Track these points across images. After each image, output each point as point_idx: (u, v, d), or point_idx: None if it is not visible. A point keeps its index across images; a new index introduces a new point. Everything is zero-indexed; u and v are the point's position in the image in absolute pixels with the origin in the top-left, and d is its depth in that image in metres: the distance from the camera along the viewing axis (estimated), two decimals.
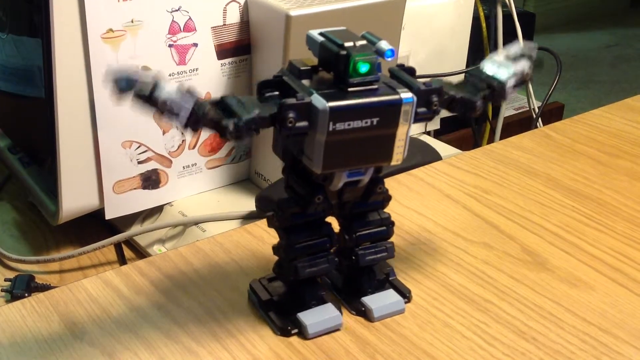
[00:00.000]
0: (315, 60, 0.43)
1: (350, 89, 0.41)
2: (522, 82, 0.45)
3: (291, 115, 0.40)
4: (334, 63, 0.41)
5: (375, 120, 0.41)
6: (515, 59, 0.45)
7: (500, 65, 0.45)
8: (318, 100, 0.40)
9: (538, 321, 0.48)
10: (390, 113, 0.41)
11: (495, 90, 0.45)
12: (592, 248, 0.55)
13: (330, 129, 0.40)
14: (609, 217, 0.59)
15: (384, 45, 0.41)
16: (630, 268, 0.53)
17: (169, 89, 0.38)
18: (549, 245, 0.56)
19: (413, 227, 0.58)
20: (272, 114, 0.40)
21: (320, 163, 0.41)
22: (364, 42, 0.41)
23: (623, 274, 0.52)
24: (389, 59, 0.41)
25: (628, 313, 0.49)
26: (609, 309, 0.49)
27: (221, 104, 0.40)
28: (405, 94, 0.41)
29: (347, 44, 0.41)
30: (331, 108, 0.39)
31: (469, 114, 0.44)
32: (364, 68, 0.40)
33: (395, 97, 0.41)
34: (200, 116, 0.38)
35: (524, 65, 0.45)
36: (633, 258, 0.54)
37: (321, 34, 0.42)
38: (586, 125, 0.74)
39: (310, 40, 0.43)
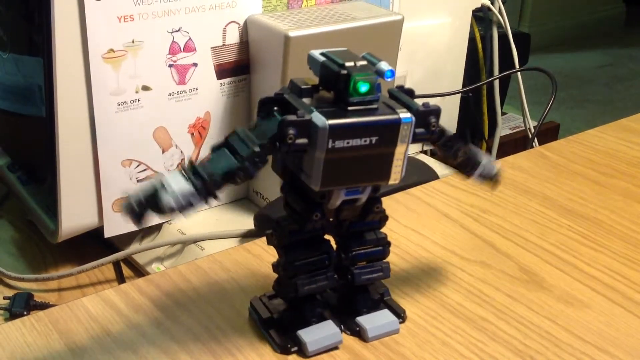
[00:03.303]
0: (315, 80, 0.43)
1: (350, 108, 0.41)
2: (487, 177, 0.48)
3: (291, 132, 0.40)
4: (334, 82, 0.42)
5: (374, 139, 0.41)
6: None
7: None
8: (318, 118, 0.40)
9: (535, 340, 0.48)
10: (389, 132, 0.42)
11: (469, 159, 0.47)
12: (588, 267, 0.56)
13: (330, 146, 0.40)
14: (604, 236, 0.60)
15: (384, 66, 0.42)
16: (625, 287, 0.54)
17: (171, 190, 0.39)
18: (546, 264, 0.56)
19: (410, 246, 0.58)
20: (270, 137, 0.41)
21: (318, 180, 0.42)
22: (364, 62, 0.42)
23: (619, 293, 0.53)
24: (389, 80, 0.42)
25: (624, 331, 0.49)
26: (605, 328, 0.49)
27: (222, 149, 0.41)
28: (404, 114, 0.42)
29: (347, 64, 0.41)
30: (331, 126, 0.40)
31: (450, 156, 0.47)
32: (364, 88, 0.41)
33: (395, 116, 0.41)
34: (210, 188, 0.40)
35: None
36: (629, 277, 0.55)
37: (322, 53, 0.43)
38: (581, 145, 0.75)
39: (311, 60, 0.44)
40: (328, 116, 0.40)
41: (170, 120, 0.69)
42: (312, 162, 0.41)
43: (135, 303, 0.51)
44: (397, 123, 0.41)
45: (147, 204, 0.39)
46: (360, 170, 0.42)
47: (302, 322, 0.46)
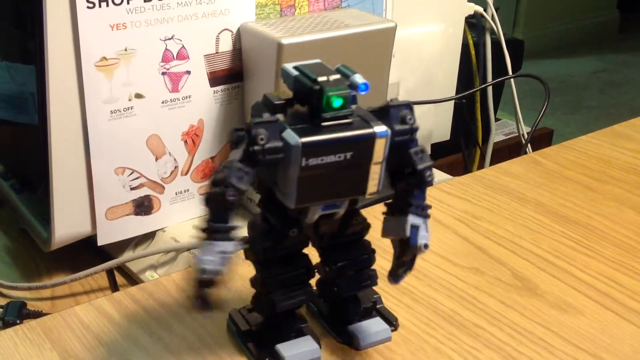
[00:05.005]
0: (290, 93, 0.43)
1: (323, 124, 0.40)
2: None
3: (261, 130, 0.39)
4: (307, 97, 0.41)
5: (348, 154, 0.40)
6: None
7: None
8: (291, 136, 0.39)
9: (529, 346, 0.48)
10: (364, 147, 0.41)
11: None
12: (581, 273, 0.56)
13: (303, 164, 0.39)
14: (597, 242, 0.60)
15: (358, 78, 0.41)
16: (619, 293, 0.54)
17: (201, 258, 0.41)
18: (539, 270, 0.56)
19: None
20: (244, 149, 0.40)
21: (294, 198, 0.41)
22: (337, 76, 0.41)
23: (612, 299, 0.53)
24: (363, 93, 0.41)
25: (617, 337, 0.49)
26: (598, 334, 0.49)
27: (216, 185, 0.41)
28: (380, 128, 0.41)
29: (320, 79, 0.40)
30: (304, 144, 0.39)
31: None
32: (337, 103, 0.40)
33: (369, 131, 0.41)
34: (224, 233, 0.42)
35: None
36: (622, 283, 0.55)
37: (295, 67, 0.42)
38: (574, 151, 0.75)
39: (285, 74, 0.43)
40: (301, 133, 0.39)
41: (164, 128, 0.69)
42: (286, 179, 0.40)
43: (128, 311, 0.51)
44: (372, 137, 0.41)
45: (199, 284, 0.41)
46: (335, 185, 0.41)
47: (281, 336, 0.46)
